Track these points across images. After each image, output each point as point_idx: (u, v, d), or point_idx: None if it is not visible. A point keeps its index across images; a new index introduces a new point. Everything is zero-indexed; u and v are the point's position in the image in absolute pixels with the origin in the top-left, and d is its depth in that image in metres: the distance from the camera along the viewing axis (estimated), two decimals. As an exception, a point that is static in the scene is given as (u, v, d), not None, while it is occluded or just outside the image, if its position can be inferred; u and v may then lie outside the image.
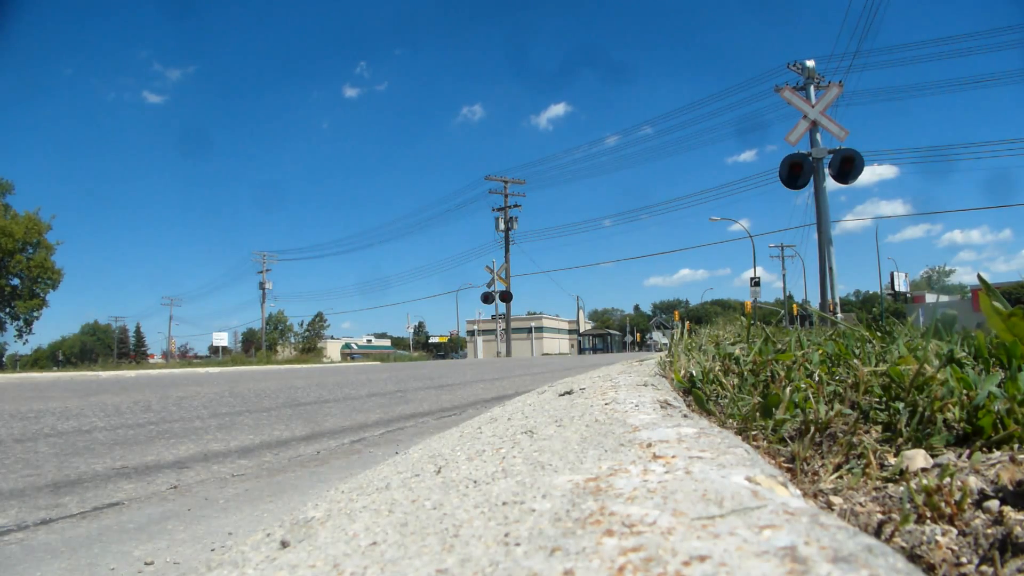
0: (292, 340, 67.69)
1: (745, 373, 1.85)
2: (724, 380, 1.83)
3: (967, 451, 1.07)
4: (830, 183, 15.46)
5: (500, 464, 1.05)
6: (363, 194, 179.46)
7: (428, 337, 76.20)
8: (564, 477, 0.88)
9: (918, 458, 1.04)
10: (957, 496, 0.85)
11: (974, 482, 0.92)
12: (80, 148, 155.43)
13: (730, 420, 1.44)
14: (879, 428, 1.23)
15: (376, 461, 2.52)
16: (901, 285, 41.63)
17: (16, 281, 38.43)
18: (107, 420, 4.38)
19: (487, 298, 41.65)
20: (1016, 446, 1.05)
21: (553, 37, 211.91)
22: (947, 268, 77.28)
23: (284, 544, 0.89)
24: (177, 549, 1.63)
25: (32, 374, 18.80)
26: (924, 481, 0.88)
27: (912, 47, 53.70)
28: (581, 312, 76.05)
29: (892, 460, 1.08)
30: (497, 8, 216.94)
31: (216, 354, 48.08)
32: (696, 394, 1.72)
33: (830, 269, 15.60)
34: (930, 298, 40.84)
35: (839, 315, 12.00)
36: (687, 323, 4.18)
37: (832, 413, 1.22)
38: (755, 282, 31.04)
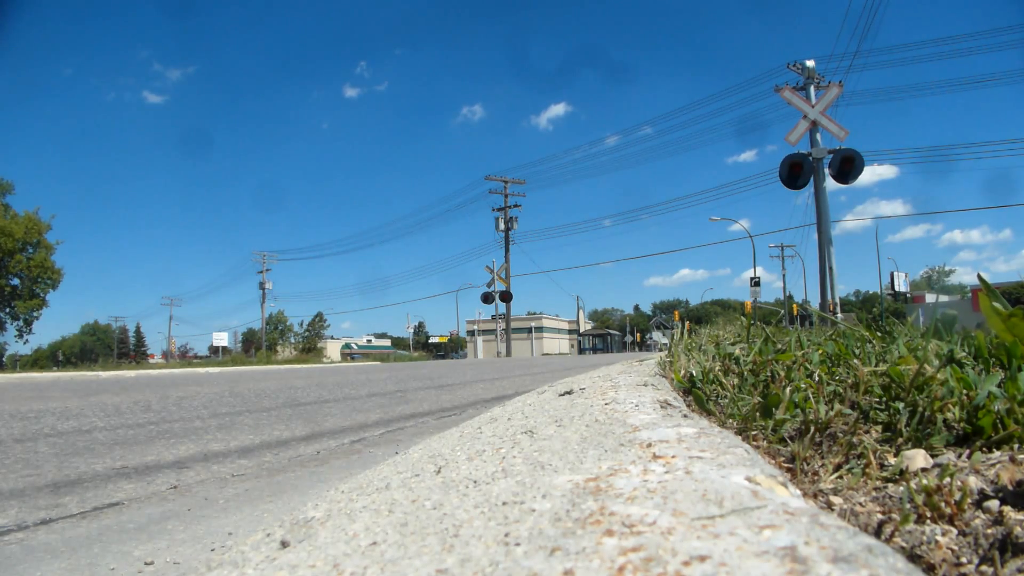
0: (292, 340, 67.72)
1: (745, 373, 1.85)
2: (724, 380, 1.83)
3: (967, 451, 1.07)
4: (830, 183, 15.48)
5: (500, 464, 1.05)
6: (363, 194, 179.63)
7: (428, 337, 76.22)
8: (564, 477, 0.88)
9: (918, 458, 1.04)
10: (957, 496, 0.85)
11: (974, 482, 0.92)
12: (80, 148, 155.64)
13: (730, 420, 1.44)
14: (879, 428, 1.23)
15: (376, 461, 2.52)
16: (901, 285, 41.62)
17: (16, 281, 38.44)
18: (107, 420, 4.38)
19: (487, 298, 41.65)
20: (1016, 446, 1.05)
21: (553, 37, 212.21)
22: (947, 268, 77.29)
23: (284, 544, 0.89)
24: (177, 549, 1.63)
25: (32, 374, 18.80)
26: (924, 481, 0.88)
27: (912, 47, 53.78)
28: (581, 312, 76.08)
29: (892, 460, 1.08)
30: (497, 8, 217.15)
31: (216, 354, 48.10)
32: (696, 394, 1.72)
33: (830, 269, 15.60)
34: (930, 298, 40.83)
35: (839, 315, 12.00)
36: (687, 323, 4.19)
37: (832, 413, 1.22)
38: (755, 282, 31.04)
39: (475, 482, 0.96)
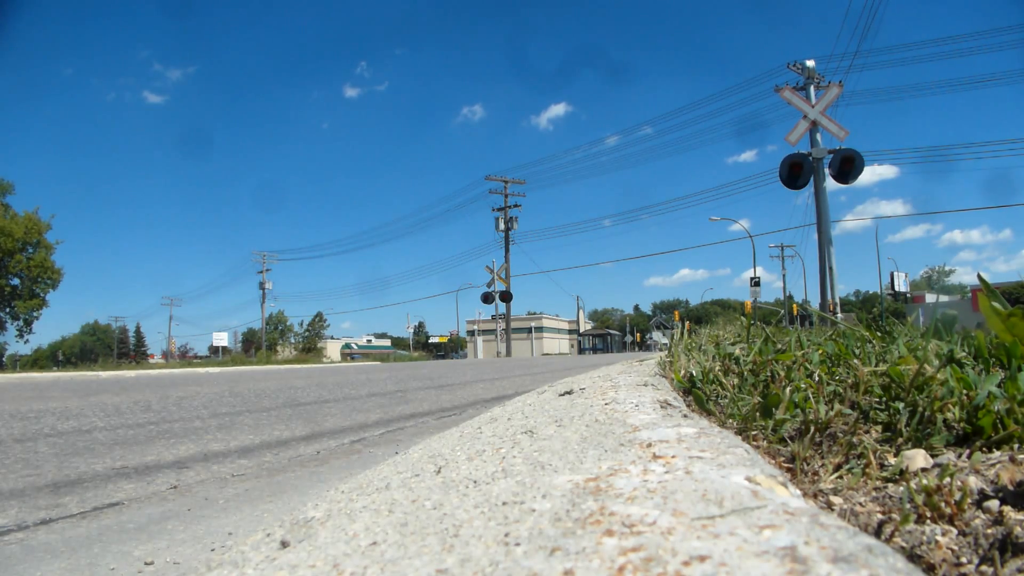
0: (292, 340, 67.74)
1: (745, 373, 1.85)
2: (724, 380, 1.83)
3: (967, 451, 1.07)
4: (830, 183, 15.48)
5: (500, 464, 1.05)
6: (363, 194, 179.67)
7: (428, 337, 76.22)
8: (564, 477, 0.88)
9: (918, 458, 1.04)
10: (957, 496, 0.85)
11: (974, 482, 0.92)
12: (80, 148, 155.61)
13: (730, 420, 1.44)
14: (879, 428, 1.23)
15: (376, 461, 2.52)
16: (901, 285, 41.62)
17: (16, 281, 38.44)
18: (107, 420, 4.38)
19: (487, 298, 41.65)
20: (1016, 446, 1.05)
21: (553, 37, 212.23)
22: (947, 268, 77.35)
23: (284, 544, 0.89)
24: (177, 549, 1.63)
25: (32, 374, 18.80)
26: (924, 481, 0.88)
27: (912, 47, 53.81)
28: (581, 312, 76.08)
29: (892, 460, 1.08)
30: (497, 8, 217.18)
31: (216, 354, 48.09)
32: (696, 394, 1.72)
33: (830, 269, 15.60)
34: (930, 298, 40.82)
35: (839, 315, 12.00)
36: (687, 323, 4.19)
37: (832, 413, 1.22)
38: (755, 282, 31.04)
39: (475, 482, 0.96)
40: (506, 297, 41.15)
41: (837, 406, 1.25)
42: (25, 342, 42.40)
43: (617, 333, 75.18)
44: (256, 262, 51.38)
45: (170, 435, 3.58)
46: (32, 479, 2.45)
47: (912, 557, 0.79)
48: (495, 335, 46.93)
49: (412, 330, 64.32)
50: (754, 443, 1.24)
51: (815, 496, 0.98)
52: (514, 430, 1.42)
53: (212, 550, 1.61)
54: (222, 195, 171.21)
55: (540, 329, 68.71)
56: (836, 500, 0.96)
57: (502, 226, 41.79)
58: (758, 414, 1.34)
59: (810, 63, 16.64)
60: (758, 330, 2.33)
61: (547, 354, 55.53)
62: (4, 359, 44.43)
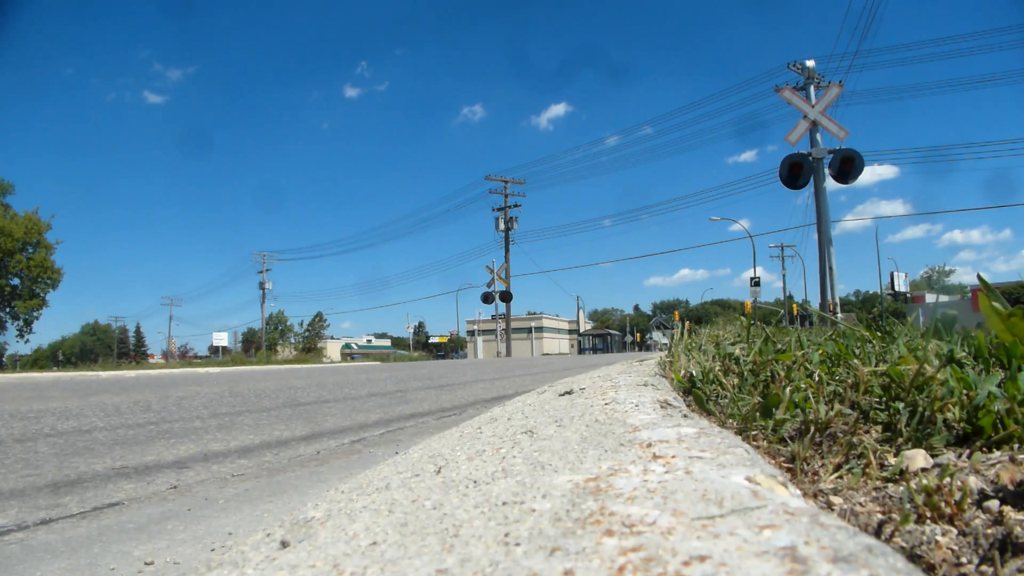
0: (292, 340, 67.72)
1: (745, 373, 1.85)
2: (724, 380, 1.83)
3: (967, 451, 1.07)
4: (830, 183, 15.48)
5: (500, 464, 1.05)
6: (363, 194, 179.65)
7: (428, 337, 76.22)
8: (564, 477, 0.88)
9: (918, 458, 1.04)
10: (957, 496, 0.85)
11: (974, 482, 0.92)
12: (80, 148, 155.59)
13: (730, 420, 1.44)
14: (879, 428, 1.23)
15: (376, 461, 2.52)
16: (901, 285, 41.61)
17: (16, 281, 38.44)
18: (107, 420, 4.38)
19: (487, 298, 41.65)
20: (1016, 446, 1.05)
21: (553, 37, 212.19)
22: (947, 268, 77.35)
23: (284, 544, 0.89)
24: (177, 549, 1.63)
25: (32, 374, 18.80)
26: (924, 481, 0.88)
27: (912, 47, 53.84)
28: (581, 312, 76.08)
29: (892, 460, 1.08)
30: (497, 8, 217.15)
31: (216, 354, 48.08)
32: (696, 394, 1.72)
33: (830, 269, 15.60)
34: (930, 298, 40.82)
35: (839, 315, 12.00)
36: (687, 323, 4.19)
37: (832, 413, 1.22)
38: (755, 282, 31.04)
39: (475, 482, 0.96)
40: (506, 297, 41.15)
41: (837, 406, 1.25)
42: (25, 342, 42.45)
43: (617, 333, 75.18)
44: (256, 262, 51.43)
45: (170, 435, 3.58)
46: (32, 479, 2.45)
47: (912, 557, 0.79)
48: (495, 335, 46.93)
49: (412, 330, 64.32)
50: (754, 443, 1.24)
51: (815, 496, 0.98)
52: (514, 430, 1.42)
53: (212, 550, 1.61)
54: (222, 195, 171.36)
55: (540, 329, 68.71)
56: (836, 500, 0.96)
57: (502, 226, 41.79)
58: (758, 414, 1.34)
59: (810, 63, 16.64)
60: (758, 330, 2.33)
61: (547, 354, 55.53)
62: (4, 359, 44.44)
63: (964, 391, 1.19)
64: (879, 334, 2.13)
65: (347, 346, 74.32)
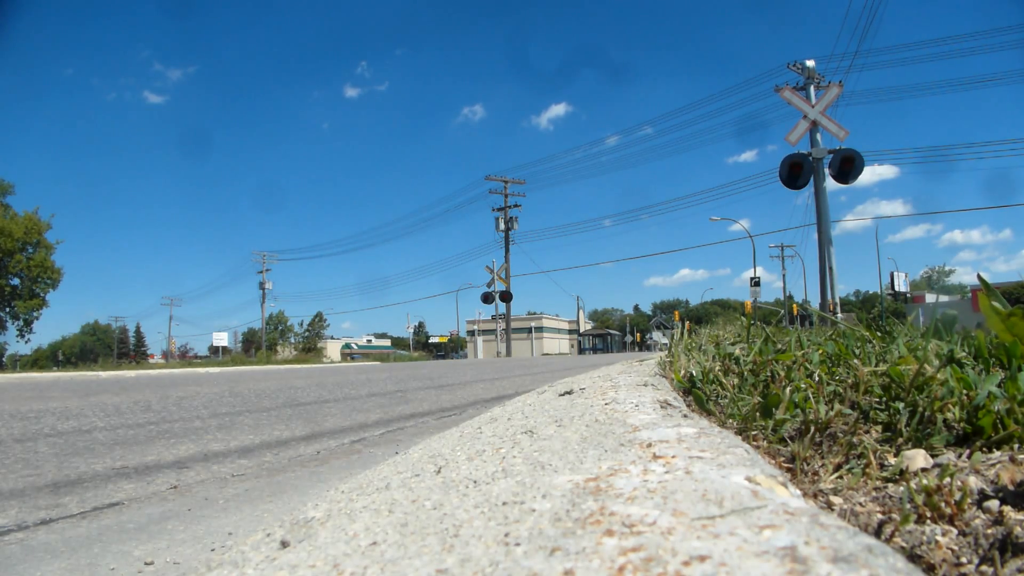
0: (292, 340, 67.78)
1: (745, 373, 1.85)
2: (724, 380, 1.83)
3: (967, 451, 1.07)
4: (830, 183, 15.47)
5: (500, 464, 1.05)
6: (363, 194, 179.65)
7: (428, 337, 76.21)
8: (564, 477, 0.88)
9: (918, 458, 1.04)
10: (957, 496, 0.85)
11: (974, 482, 0.92)
12: (80, 148, 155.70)
13: (730, 420, 1.44)
14: (879, 428, 1.23)
15: (376, 461, 2.52)
16: (901, 285, 41.59)
17: (16, 281, 38.44)
18: (107, 420, 4.38)
19: (487, 298, 41.64)
20: (1016, 446, 1.05)
21: (553, 37, 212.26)
22: (947, 268, 77.35)
23: (284, 544, 0.89)
24: (177, 549, 1.63)
25: (32, 374, 18.80)
26: (924, 481, 0.88)
27: (912, 47, 53.93)
28: (581, 312, 76.08)
29: (892, 460, 1.08)
30: (497, 8, 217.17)
31: (216, 354, 48.08)
32: (696, 394, 1.72)
33: (830, 269, 15.60)
34: (930, 298, 40.81)
35: (839, 315, 11.99)
36: (687, 323, 4.18)
37: (832, 413, 1.22)
38: (755, 282, 31.04)
39: (475, 482, 0.96)
40: (506, 297, 41.15)
41: (837, 406, 1.25)
42: (25, 342, 42.46)
43: (617, 333, 75.18)
44: (256, 262, 51.42)
45: (170, 435, 3.57)
46: (32, 479, 2.45)
47: (912, 557, 0.79)
48: (495, 335, 46.92)
49: (412, 330, 64.31)
50: (754, 443, 1.24)
51: (815, 496, 0.98)
52: (514, 430, 1.42)
53: (212, 550, 1.61)
54: (222, 195, 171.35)
55: (540, 329, 68.70)
56: (836, 500, 0.96)
57: (502, 226, 41.78)
58: (758, 414, 1.34)
59: (810, 63, 16.63)
60: (758, 330, 2.33)
61: (547, 354, 55.53)
62: (4, 359, 44.44)
63: (964, 391, 1.19)
64: (879, 334, 2.12)
65: (347, 346, 74.32)
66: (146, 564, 1.53)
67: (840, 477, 1.03)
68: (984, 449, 1.07)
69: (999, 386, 1.19)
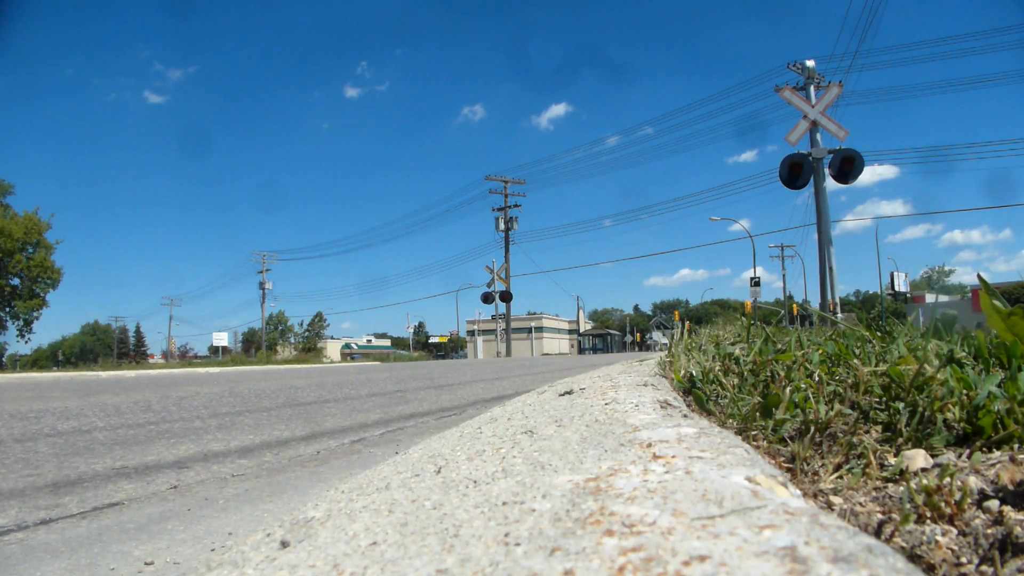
0: (292, 340, 67.80)
1: (745, 373, 1.85)
2: (724, 380, 1.83)
3: (967, 451, 1.07)
4: (830, 183, 15.47)
5: (500, 464, 1.05)
6: (363, 194, 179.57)
7: (428, 337, 76.21)
8: (564, 477, 0.88)
9: (918, 458, 1.04)
10: (957, 496, 0.85)
11: (974, 482, 0.92)
12: (80, 148, 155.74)
13: (730, 420, 1.44)
14: (879, 428, 1.23)
15: (376, 461, 2.52)
16: (901, 285, 41.57)
17: (16, 281, 38.44)
18: (107, 420, 4.38)
19: (487, 298, 41.65)
20: (1016, 446, 1.05)
21: (553, 37, 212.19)
22: (947, 268, 77.34)
23: (284, 544, 0.89)
24: (177, 549, 1.63)
25: (32, 374, 18.80)
26: (924, 481, 0.88)
27: (912, 47, 53.95)
28: (581, 312, 76.07)
29: (892, 460, 1.08)
30: (497, 8, 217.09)
31: (216, 354, 48.05)
32: (696, 394, 1.72)
33: (830, 269, 15.60)
34: (930, 298, 40.80)
35: (839, 315, 11.99)
36: (687, 323, 4.18)
37: (832, 413, 1.22)
38: (755, 282, 31.05)
39: (475, 482, 0.96)
40: (506, 297, 41.15)
41: (837, 406, 1.25)
42: (25, 342, 42.44)
43: (617, 333, 75.18)
44: (256, 262, 51.42)
45: (170, 435, 3.58)
46: (32, 479, 2.45)
47: (912, 557, 0.79)
48: (495, 335, 46.93)
49: (412, 330, 64.28)
50: (754, 443, 1.24)
51: (815, 496, 0.98)
52: (514, 430, 1.42)
53: (212, 550, 1.61)
54: (222, 195, 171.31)
55: (540, 329, 68.71)
56: (836, 500, 0.96)
57: (502, 226, 41.79)
58: (758, 414, 1.34)
59: (810, 63, 16.63)
60: (758, 330, 2.33)
61: (547, 354, 55.54)
62: (4, 359, 44.44)
63: (964, 391, 1.19)
64: (879, 334, 2.13)
65: (347, 346, 74.34)
66: (146, 564, 1.53)
67: (840, 477, 1.03)
68: (984, 449, 1.07)
69: (999, 386, 1.19)
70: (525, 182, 43.23)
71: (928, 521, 0.84)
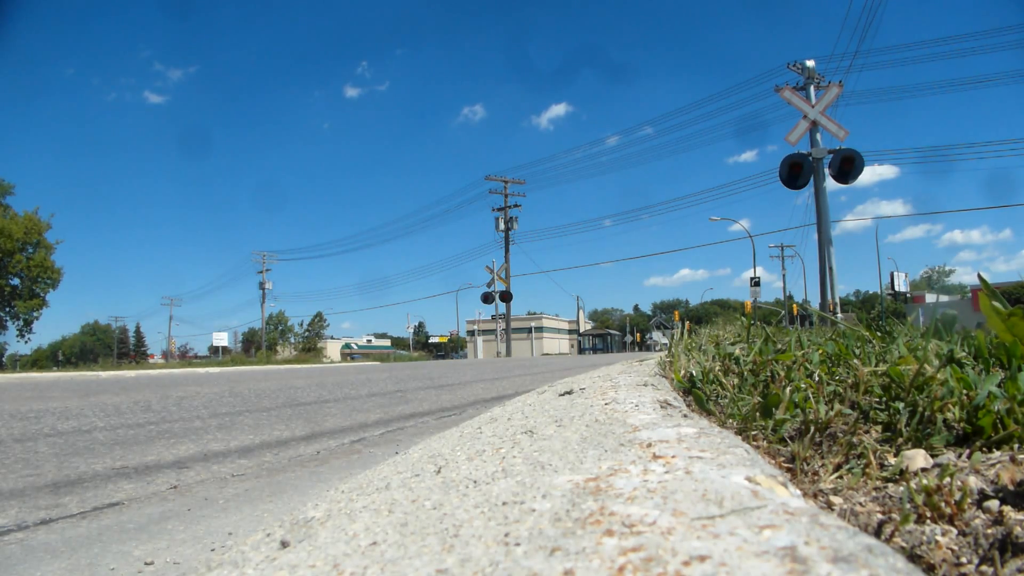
0: (292, 340, 67.81)
1: (745, 373, 1.85)
2: (724, 380, 1.83)
3: (967, 451, 1.07)
4: (830, 183, 15.47)
5: (500, 464, 1.05)
6: (363, 194, 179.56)
7: (428, 337, 76.21)
8: (564, 477, 0.88)
9: (918, 458, 1.04)
10: (957, 496, 0.85)
11: (974, 482, 0.92)
12: (80, 148, 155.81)
13: (730, 420, 1.44)
14: (879, 428, 1.23)
15: (376, 461, 2.52)
16: (901, 285, 41.56)
17: (16, 281, 38.44)
18: (107, 420, 4.38)
19: (487, 298, 41.64)
20: (1016, 446, 1.05)
21: (553, 37, 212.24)
22: (947, 268, 77.32)
23: (284, 544, 0.89)
24: (177, 549, 1.63)
25: (32, 374, 18.80)
26: (924, 481, 0.88)
27: (912, 47, 54.00)
28: (581, 312, 76.06)
29: (892, 460, 1.08)
30: (497, 8, 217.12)
31: (216, 354, 48.05)
32: (696, 394, 1.72)
33: (830, 269, 15.59)
34: (930, 298, 40.81)
35: (839, 315, 11.99)
36: (687, 323, 4.19)
37: (832, 413, 1.22)
38: (755, 282, 31.05)
39: (475, 482, 0.96)
40: (506, 297, 41.15)
41: (837, 406, 1.25)
42: (25, 342, 42.47)
43: (617, 333, 75.17)
44: (256, 262, 51.41)
45: (170, 435, 3.58)
46: (32, 479, 2.45)
47: (912, 557, 0.79)
48: (495, 335, 46.92)
49: (412, 330, 64.28)
50: (754, 443, 1.24)
51: (815, 496, 0.98)
52: (514, 430, 1.42)
53: (212, 550, 1.61)
54: (222, 195, 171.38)
55: (540, 329, 68.71)
56: (836, 500, 0.96)
57: (502, 226, 41.78)
58: (758, 414, 1.34)
59: (810, 63, 16.63)
60: (758, 330, 2.33)
61: (547, 354, 55.54)
62: (4, 359, 44.44)
63: (964, 391, 1.19)
64: (879, 334, 2.13)
65: (347, 346, 74.34)
66: (146, 564, 1.53)
67: (840, 477, 1.03)
68: (984, 449, 1.07)
69: (999, 386, 1.19)
70: (525, 182, 43.27)
71: (928, 521, 0.84)
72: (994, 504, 0.85)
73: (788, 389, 1.42)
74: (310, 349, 49.77)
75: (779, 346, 2.10)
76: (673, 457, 0.92)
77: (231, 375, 13.48)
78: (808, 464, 1.10)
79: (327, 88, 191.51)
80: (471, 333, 62.16)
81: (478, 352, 54.16)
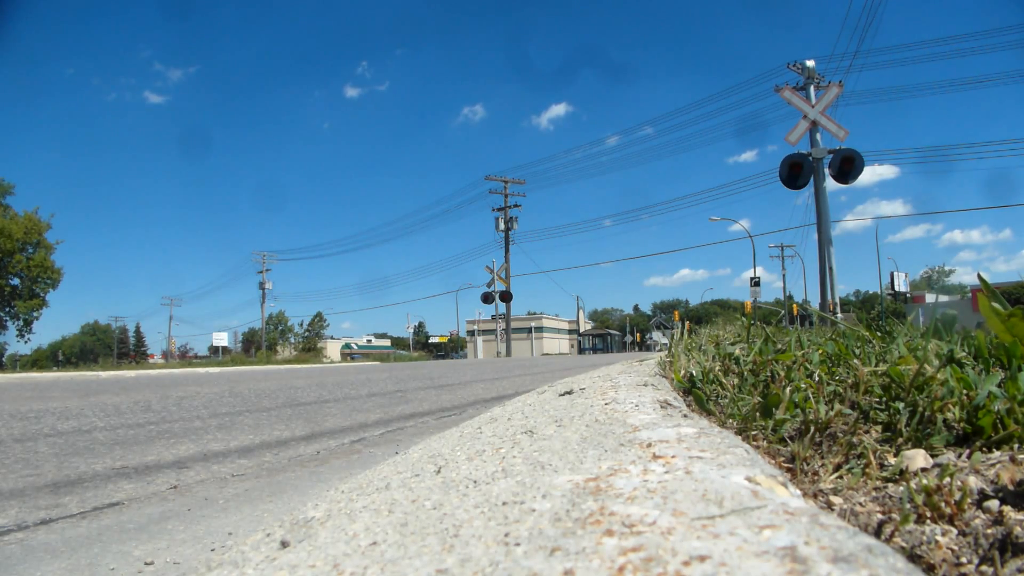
0: (292, 340, 67.84)
1: (745, 373, 1.85)
2: (724, 380, 1.83)
3: (967, 451, 1.07)
4: (830, 183, 15.47)
5: (500, 464, 1.05)
6: (363, 194, 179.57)
7: (428, 337, 76.21)
8: (564, 477, 0.88)
9: (918, 458, 1.04)
10: (957, 496, 0.85)
11: (974, 482, 0.92)
12: (80, 148, 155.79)
13: (730, 420, 1.44)
14: (879, 428, 1.23)
15: (376, 461, 2.52)
16: (901, 285, 41.56)
17: (16, 281, 38.44)
18: (107, 420, 4.38)
19: (487, 298, 41.65)
20: (1016, 446, 1.05)
21: (553, 37, 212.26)
22: (947, 268, 77.33)
23: (284, 544, 0.89)
24: (177, 549, 1.63)
25: (32, 374, 18.80)
26: (924, 481, 0.88)
27: (912, 47, 54.00)
28: (581, 312, 76.05)
29: (892, 460, 1.08)
30: (497, 8, 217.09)
31: (216, 354, 48.04)
32: (696, 394, 1.72)
33: (830, 269, 15.59)
34: (930, 298, 40.78)
35: (839, 315, 11.99)
36: (687, 323, 4.19)
37: (832, 413, 1.22)
38: (755, 282, 31.05)
39: (475, 482, 0.96)
40: (506, 297, 41.15)
41: (837, 406, 1.25)
42: (25, 342, 42.48)
43: (617, 333, 75.16)
44: (256, 262, 51.41)
45: (170, 435, 3.58)
46: (32, 479, 2.45)
47: (912, 557, 0.79)
48: (495, 335, 46.92)
49: (412, 330, 64.28)
50: (754, 443, 1.24)
51: (815, 496, 0.98)
52: (514, 430, 1.42)
53: (212, 550, 1.61)
54: (222, 195, 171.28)
55: (540, 329, 68.71)
56: (836, 500, 0.96)
57: (502, 226, 41.79)
58: (758, 414, 1.34)
59: (810, 63, 16.63)
60: (758, 330, 2.33)
61: (547, 354, 55.53)
62: (4, 359, 44.43)
63: (964, 391, 1.19)
64: (879, 334, 2.13)
65: (347, 346, 74.35)
66: (146, 564, 1.53)
67: (840, 477, 1.03)
68: (984, 449, 1.07)
69: (999, 386, 1.19)
70: (525, 182, 43.27)
71: (928, 521, 0.84)
72: (994, 504, 0.85)
73: (788, 389, 1.42)
74: (310, 349, 49.78)
75: (779, 346, 2.10)
76: (673, 457, 0.92)
77: (231, 375, 13.48)
78: (808, 464, 1.10)
79: (327, 88, 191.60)
80: (471, 333, 62.17)
81: (478, 352, 54.16)
